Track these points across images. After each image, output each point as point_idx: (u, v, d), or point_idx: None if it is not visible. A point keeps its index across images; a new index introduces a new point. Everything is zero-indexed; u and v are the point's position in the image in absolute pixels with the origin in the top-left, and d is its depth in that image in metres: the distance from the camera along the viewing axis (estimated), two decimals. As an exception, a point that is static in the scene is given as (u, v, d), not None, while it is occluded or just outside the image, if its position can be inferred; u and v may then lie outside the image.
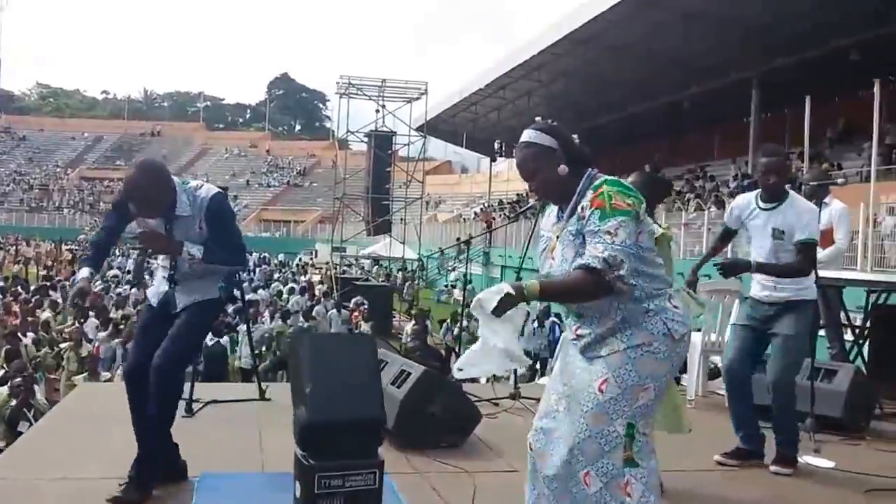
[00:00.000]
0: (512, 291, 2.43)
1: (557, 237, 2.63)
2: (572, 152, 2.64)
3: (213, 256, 3.58)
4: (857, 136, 21.17)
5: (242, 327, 12.77)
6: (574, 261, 2.51)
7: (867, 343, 6.43)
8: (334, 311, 15.67)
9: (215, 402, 5.38)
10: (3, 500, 3.49)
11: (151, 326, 3.72)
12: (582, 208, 2.52)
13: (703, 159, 30.54)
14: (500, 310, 2.43)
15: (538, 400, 5.68)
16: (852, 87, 21.97)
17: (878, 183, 12.04)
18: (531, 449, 2.69)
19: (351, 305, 16.55)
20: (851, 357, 6.48)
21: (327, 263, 30.51)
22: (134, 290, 19.03)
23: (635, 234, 2.47)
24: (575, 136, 2.79)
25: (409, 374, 4.45)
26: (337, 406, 2.36)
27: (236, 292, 4.12)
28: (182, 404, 5.05)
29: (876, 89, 9.66)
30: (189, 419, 4.99)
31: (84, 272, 3.55)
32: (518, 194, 43.99)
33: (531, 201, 5.64)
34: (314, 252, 45.98)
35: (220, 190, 3.70)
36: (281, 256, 42.24)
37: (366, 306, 15.57)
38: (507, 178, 52.10)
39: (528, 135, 2.68)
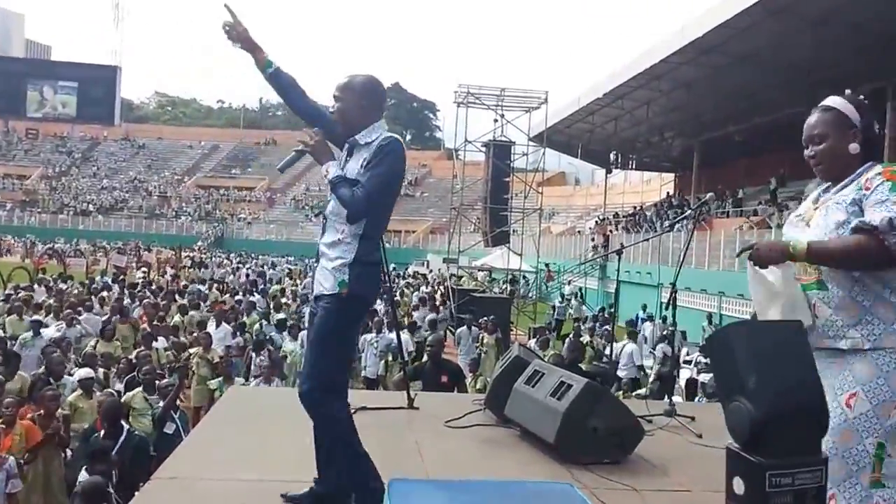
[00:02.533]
0: (774, 249, 2.41)
1: (816, 209, 2.55)
2: (871, 138, 2.56)
3: (340, 184, 3.21)
4: None
5: (368, 336, 12.96)
6: (842, 225, 2.42)
7: None
8: (465, 328, 15.46)
9: (364, 408, 5.46)
10: (175, 497, 3.63)
11: (311, 330, 3.45)
12: (868, 180, 2.44)
13: (832, 172, 29.10)
14: (762, 261, 2.41)
15: (693, 418, 5.58)
16: None
17: None
18: None
19: (480, 321, 16.43)
20: None
21: (443, 274, 30.72)
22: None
23: None
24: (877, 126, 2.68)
25: (571, 385, 4.38)
26: (782, 399, 2.26)
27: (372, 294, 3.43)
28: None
29: None
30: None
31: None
32: (634, 207, 43.20)
33: (687, 211, 5.48)
34: (426, 263, 46.46)
35: (398, 139, 3.35)
36: (392, 266, 42.78)
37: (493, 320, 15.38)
38: (621, 190, 51.38)
39: (833, 100, 2.61)
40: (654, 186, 48.84)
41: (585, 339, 16.04)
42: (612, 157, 42.00)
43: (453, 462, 4.26)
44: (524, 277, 32.47)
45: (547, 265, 32.61)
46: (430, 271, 40.58)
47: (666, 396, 11.67)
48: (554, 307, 27.27)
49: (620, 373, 14.87)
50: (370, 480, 3.27)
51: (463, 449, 4.49)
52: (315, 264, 3.47)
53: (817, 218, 2.52)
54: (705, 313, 22.61)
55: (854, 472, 2.38)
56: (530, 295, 30.98)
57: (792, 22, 20.32)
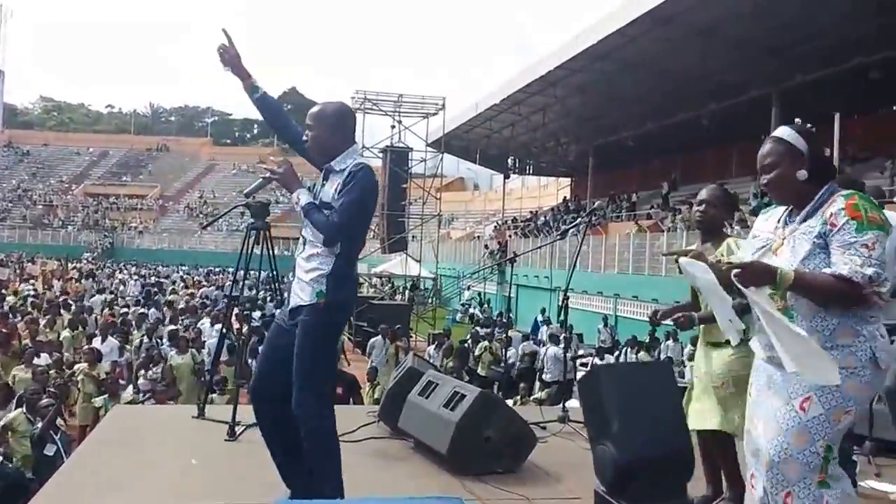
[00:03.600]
0: (764, 272, 2.44)
1: (784, 239, 2.64)
2: (818, 162, 2.66)
3: (312, 210, 3.39)
4: (878, 154, 21.03)
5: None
6: (809, 258, 2.52)
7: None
8: (378, 338, 14.77)
9: (253, 425, 5.25)
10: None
11: (277, 339, 3.55)
12: (832, 214, 2.52)
13: (721, 177, 30.25)
14: (748, 282, 2.45)
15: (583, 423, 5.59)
16: (872, 106, 21.78)
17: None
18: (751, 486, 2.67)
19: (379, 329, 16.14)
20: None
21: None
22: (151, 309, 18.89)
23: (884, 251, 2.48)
24: (826, 149, 2.82)
25: (464, 396, 4.32)
26: (648, 444, 2.20)
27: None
28: (224, 428, 4.96)
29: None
30: (232, 443, 4.88)
31: None
32: (531, 211, 43.91)
33: (577, 219, 5.53)
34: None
35: (369, 166, 3.52)
36: (291, 274, 41.89)
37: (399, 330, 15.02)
38: (520, 195, 52.14)
39: (782, 131, 2.71)
40: (552, 191, 49.75)
41: (484, 344, 16.14)
42: (509, 162, 42.58)
43: (344, 477, 4.10)
44: (424, 283, 32.50)
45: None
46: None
47: (561, 402, 11.84)
48: (454, 311, 27.40)
49: (545, 376, 15.05)
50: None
51: (354, 463, 4.30)
52: (291, 278, 3.62)
53: (785, 249, 2.61)
54: (601, 315, 23.12)
55: (807, 472, 2.45)
56: (430, 301, 31.02)
57: (679, 31, 21.06)
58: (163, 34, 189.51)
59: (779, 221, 2.72)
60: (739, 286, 2.47)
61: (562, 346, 16.06)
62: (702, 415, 3.66)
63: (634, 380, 2.38)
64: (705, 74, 23.28)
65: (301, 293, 3.41)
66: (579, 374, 14.93)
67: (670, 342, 15.62)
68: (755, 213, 21.06)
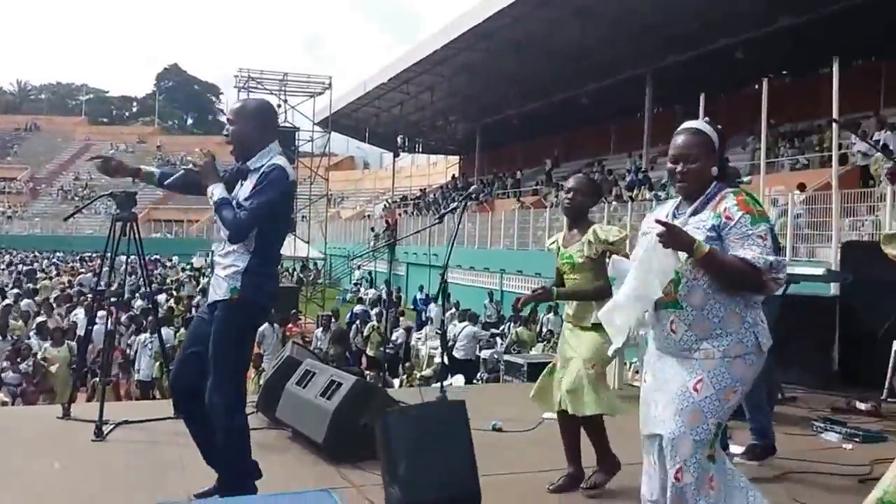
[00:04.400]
0: (685, 237, 2.57)
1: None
2: (721, 159, 2.82)
3: (223, 206, 3.38)
4: (741, 131, 22.20)
5: (142, 336, 12.23)
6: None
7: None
8: (268, 325, 14.30)
9: (127, 422, 5.10)
10: None
11: (196, 332, 3.59)
12: (726, 209, 2.67)
13: (600, 154, 31.37)
14: (670, 243, 2.57)
15: (462, 402, 5.71)
16: (737, 84, 22.93)
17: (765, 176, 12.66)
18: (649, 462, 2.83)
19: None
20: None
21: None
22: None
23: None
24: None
25: (340, 384, 4.34)
26: (434, 488, 2.19)
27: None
28: (91, 427, 4.78)
29: (764, 86, 10.18)
30: (100, 443, 4.72)
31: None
32: (421, 190, 44.08)
33: (458, 201, 5.62)
34: (210, 253, 44.65)
35: (282, 166, 3.46)
36: (175, 259, 40.39)
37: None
38: (409, 173, 52.18)
39: (699, 124, 2.82)
40: (441, 169, 50.06)
41: (372, 324, 16.18)
42: (399, 140, 42.54)
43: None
44: (314, 264, 32.16)
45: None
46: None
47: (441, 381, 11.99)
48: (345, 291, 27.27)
49: (457, 354, 15.18)
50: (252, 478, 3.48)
51: None
52: (211, 273, 3.45)
53: None
54: (487, 290, 23.54)
55: (698, 448, 2.62)
56: (320, 281, 30.77)
57: (558, 12, 21.52)
58: (31, 4, 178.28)
59: (667, 216, 2.82)
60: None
61: (479, 325, 16.41)
62: (578, 398, 3.78)
63: (425, 421, 2.45)
64: (584, 54, 23.92)
65: (217, 289, 3.46)
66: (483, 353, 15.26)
67: (551, 315, 16.08)
68: (630, 188, 21.93)
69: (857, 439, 5.09)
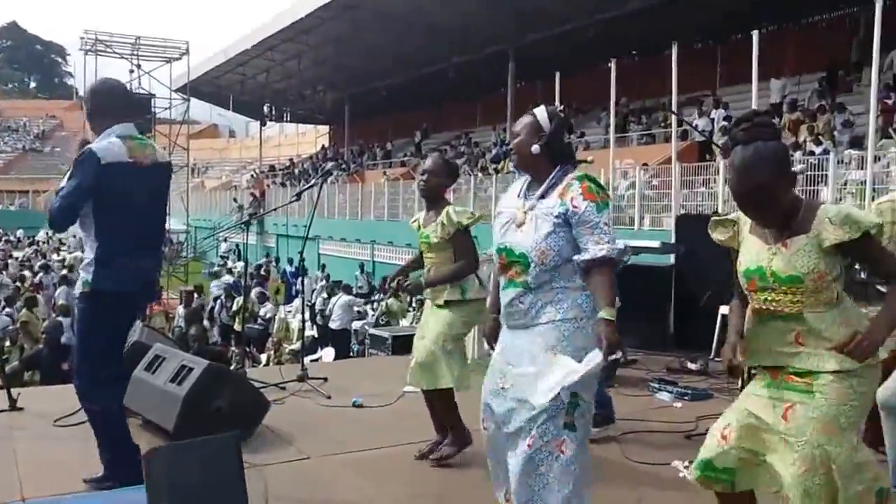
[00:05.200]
0: (610, 335, 2.68)
1: (525, 213, 2.87)
2: (556, 142, 2.92)
3: (58, 195, 3.37)
4: (596, 107, 23.14)
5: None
6: (549, 236, 2.80)
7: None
8: None
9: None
10: None
11: None
12: (572, 198, 2.79)
13: (466, 127, 31.82)
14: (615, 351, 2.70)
15: (325, 379, 5.82)
16: (591, 62, 23.79)
17: (614, 149, 13.35)
18: (484, 428, 2.99)
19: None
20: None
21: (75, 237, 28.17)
22: None
23: None
24: (573, 135, 3.02)
25: (191, 369, 4.33)
26: None
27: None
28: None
29: (613, 66, 10.71)
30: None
31: None
32: (290, 160, 43.29)
33: (314, 180, 5.66)
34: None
35: (93, 149, 3.40)
36: (20, 233, 37.80)
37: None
38: (277, 143, 51.08)
39: (538, 109, 2.98)
40: (310, 139, 49.27)
41: (239, 299, 15.91)
42: (265, 109, 41.49)
43: (56, 470, 3.93)
44: (177, 237, 31.11)
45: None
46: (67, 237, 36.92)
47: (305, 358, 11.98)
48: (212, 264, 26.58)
49: (332, 324, 15.09)
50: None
51: (71, 452, 4.12)
52: None
53: (528, 226, 2.86)
54: (358, 262, 23.56)
55: (552, 416, 2.76)
56: (183, 255, 29.84)
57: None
58: None
59: (518, 195, 2.98)
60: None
61: (352, 294, 16.40)
62: (430, 373, 3.96)
63: (192, 458, 2.50)
64: (450, 29, 24.17)
65: (79, 281, 3.51)
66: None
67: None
68: (495, 161, 22.40)
69: (686, 398, 5.49)
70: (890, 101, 14.78)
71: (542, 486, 2.78)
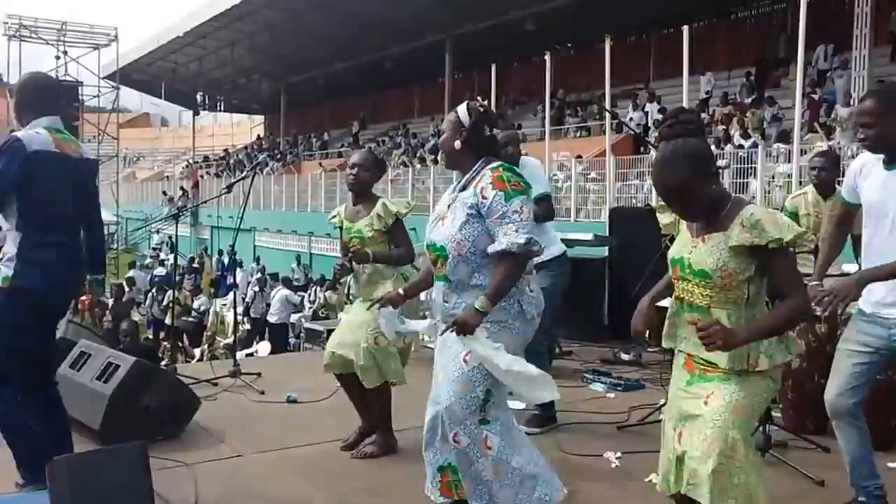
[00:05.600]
0: (469, 320, 2.77)
1: (449, 206, 2.92)
2: (478, 137, 2.95)
3: None
4: (533, 99, 23.32)
5: None
6: (464, 226, 2.84)
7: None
8: None
9: None
10: None
11: None
12: (482, 188, 2.83)
13: (405, 117, 31.74)
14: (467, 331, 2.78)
15: (259, 374, 5.73)
16: (528, 54, 23.97)
17: (551, 142, 13.52)
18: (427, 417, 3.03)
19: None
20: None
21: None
22: None
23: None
24: (497, 130, 3.09)
25: (118, 366, 4.20)
26: None
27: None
28: None
29: (548, 58, 10.81)
30: None
31: None
32: (225, 150, 42.56)
33: (246, 171, 5.56)
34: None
35: (19, 136, 3.31)
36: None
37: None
38: (211, 132, 50.12)
39: (460, 106, 3.02)
40: (245, 129, 48.52)
41: (171, 292, 15.56)
42: (199, 98, 40.69)
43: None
44: (107, 229, 30.28)
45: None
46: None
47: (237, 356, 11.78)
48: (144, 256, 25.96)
49: (271, 318, 14.85)
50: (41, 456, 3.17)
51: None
52: None
53: (447, 219, 2.91)
54: (295, 253, 23.30)
55: (469, 413, 2.84)
56: (114, 247, 29.08)
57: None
58: None
59: (452, 191, 3.01)
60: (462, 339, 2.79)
61: (291, 287, 16.17)
62: (376, 370, 3.92)
63: (97, 467, 2.44)
64: (387, 19, 24.04)
65: None
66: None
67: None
68: (433, 152, 22.39)
69: (619, 388, 5.56)
70: (816, 97, 15.27)
71: (483, 482, 2.87)
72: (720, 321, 2.31)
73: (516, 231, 2.75)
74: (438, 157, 21.74)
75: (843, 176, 3.53)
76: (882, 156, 3.00)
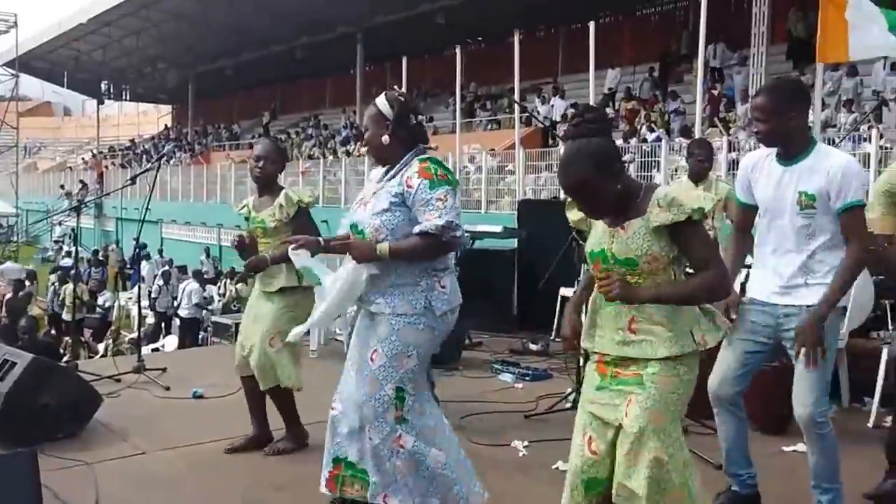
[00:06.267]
0: (363, 249, 2.79)
1: (374, 193, 2.89)
2: (404, 128, 2.93)
3: None
4: (445, 92, 23.46)
5: None
6: (382, 212, 2.86)
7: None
8: None
9: None
10: None
11: None
12: (408, 177, 2.85)
13: (316, 108, 31.44)
14: (358, 258, 2.79)
15: (165, 369, 5.62)
16: (440, 47, 24.07)
17: (462, 134, 13.63)
18: (332, 408, 3.03)
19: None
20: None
21: None
22: None
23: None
24: (421, 116, 3.10)
25: (14, 363, 4.07)
26: None
27: None
28: None
29: (458, 51, 10.90)
30: None
31: None
32: (131, 140, 41.27)
33: (152, 162, 5.42)
34: None
35: None
36: None
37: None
38: (117, 122, 48.50)
39: (378, 99, 2.98)
40: (152, 118, 47.14)
41: (68, 287, 15.07)
42: (103, 86, 39.32)
43: None
44: (7, 221, 29.04)
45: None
46: None
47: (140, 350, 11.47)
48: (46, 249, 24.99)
49: (182, 312, 14.42)
50: None
51: None
52: None
53: (371, 203, 2.90)
54: (204, 246, 22.82)
55: (381, 412, 2.86)
56: (14, 239, 27.90)
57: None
58: None
59: (380, 179, 2.99)
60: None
61: (202, 280, 15.71)
62: (270, 373, 3.87)
63: None
64: (298, 9, 23.77)
65: None
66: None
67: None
68: (345, 143, 22.29)
69: (527, 378, 5.64)
70: (716, 93, 15.86)
71: (397, 480, 2.89)
72: (673, 314, 2.35)
73: (438, 216, 2.78)
74: (351, 150, 21.65)
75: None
76: (775, 151, 3.05)
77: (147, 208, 6.27)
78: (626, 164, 12.31)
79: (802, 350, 2.87)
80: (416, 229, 2.81)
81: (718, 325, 2.46)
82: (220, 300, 15.52)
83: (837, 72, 13.85)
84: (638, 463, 2.30)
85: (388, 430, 2.85)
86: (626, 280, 2.34)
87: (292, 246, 2.91)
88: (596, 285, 2.42)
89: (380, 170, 3.06)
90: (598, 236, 2.47)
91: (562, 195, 3.21)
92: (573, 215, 2.63)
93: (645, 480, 2.29)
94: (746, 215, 3.26)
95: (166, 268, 18.07)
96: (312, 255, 2.92)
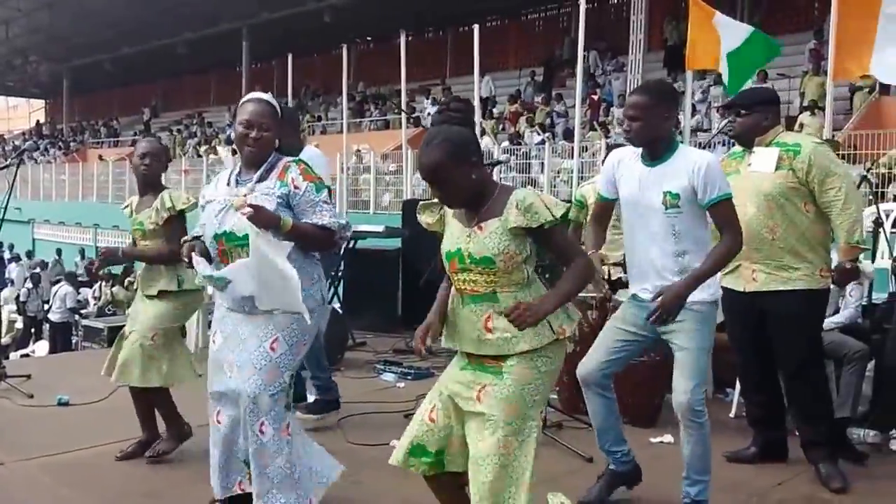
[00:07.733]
0: (272, 214, 2.78)
1: (245, 196, 2.83)
2: (284, 130, 3.03)
3: None
4: (334, 90, 23.30)
5: None
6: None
7: (341, 283, 7.14)
8: None
9: None
10: None
11: None
12: (293, 179, 2.91)
13: (200, 104, 30.64)
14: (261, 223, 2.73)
15: (29, 376, 5.34)
16: (328, 46, 23.89)
17: (351, 134, 13.58)
18: (217, 421, 2.99)
19: None
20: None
21: None
22: None
23: None
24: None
25: None
26: None
27: None
28: None
29: (344, 51, 10.85)
30: None
31: None
32: (0, 135, 39.10)
33: (11, 158, 5.17)
34: None
35: None
36: None
37: None
38: (-18, 115, 45.83)
39: (267, 95, 3.01)
40: (23, 113, 44.89)
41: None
42: (-32, 78, 36.96)
43: None
44: None
45: None
46: None
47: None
48: None
49: (53, 316, 13.62)
50: None
51: None
52: None
53: (247, 209, 2.78)
54: (79, 247, 21.89)
55: (275, 401, 2.86)
56: None
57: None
58: None
59: (228, 183, 2.97)
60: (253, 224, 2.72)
61: (76, 283, 14.92)
62: (138, 370, 3.73)
63: None
64: (179, 3, 23.11)
65: None
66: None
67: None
68: (230, 142, 21.77)
69: (409, 377, 5.66)
70: (596, 97, 16.39)
71: (287, 475, 2.89)
72: (510, 303, 2.39)
73: (331, 216, 2.91)
74: (235, 149, 21.17)
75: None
76: (640, 151, 3.12)
77: (16, 208, 5.90)
78: (504, 163, 12.54)
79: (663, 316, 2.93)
80: (319, 223, 2.89)
81: (571, 315, 2.54)
82: (95, 303, 14.85)
83: (705, 80, 14.56)
84: (489, 453, 2.35)
85: (280, 417, 2.86)
86: (526, 301, 2.39)
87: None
88: (454, 291, 2.54)
89: (225, 175, 3.04)
90: (455, 236, 2.52)
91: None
92: (426, 218, 2.66)
93: (491, 467, 2.35)
94: (605, 209, 3.41)
95: (36, 270, 17.16)
96: (201, 256, 2.91)
